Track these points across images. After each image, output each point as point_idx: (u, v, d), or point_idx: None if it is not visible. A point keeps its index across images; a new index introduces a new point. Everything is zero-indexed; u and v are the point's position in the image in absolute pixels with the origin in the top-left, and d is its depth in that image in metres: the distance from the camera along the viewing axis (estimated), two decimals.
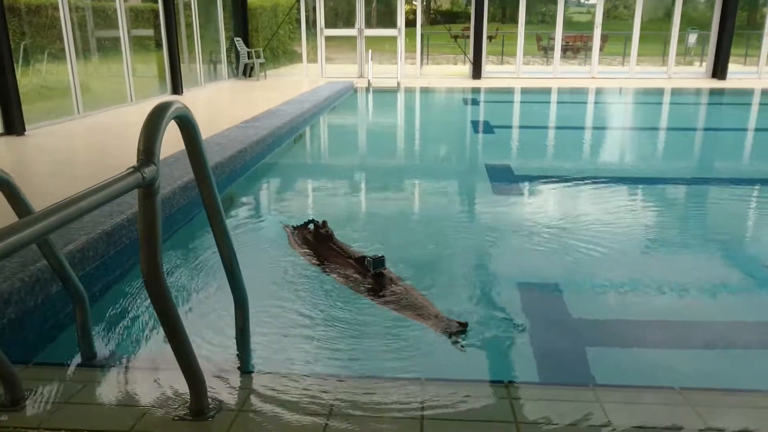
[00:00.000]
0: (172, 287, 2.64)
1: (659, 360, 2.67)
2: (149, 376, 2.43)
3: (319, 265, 3.62)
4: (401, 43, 16.46)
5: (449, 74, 18.32)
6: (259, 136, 7.13)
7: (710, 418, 2.12)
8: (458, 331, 2.72)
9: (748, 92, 14.29)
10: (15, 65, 7.34)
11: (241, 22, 16.50)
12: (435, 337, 2.72)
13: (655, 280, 3.43)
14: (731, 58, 16.29)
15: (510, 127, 10.26)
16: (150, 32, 11.91)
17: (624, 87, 15.20)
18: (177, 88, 11.99)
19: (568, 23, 18.03)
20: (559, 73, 16.97)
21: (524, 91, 14.66)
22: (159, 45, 11.86)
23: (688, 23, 17.83)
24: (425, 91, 14.85)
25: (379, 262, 3.29)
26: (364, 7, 16.74)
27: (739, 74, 16.74)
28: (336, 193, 5.89)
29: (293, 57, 19.13)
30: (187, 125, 2.11)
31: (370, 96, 14.06)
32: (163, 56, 11.87)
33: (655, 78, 16.72)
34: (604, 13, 16.42)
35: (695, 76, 17.27)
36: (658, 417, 2.15)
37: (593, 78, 16.60)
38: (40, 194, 4.22)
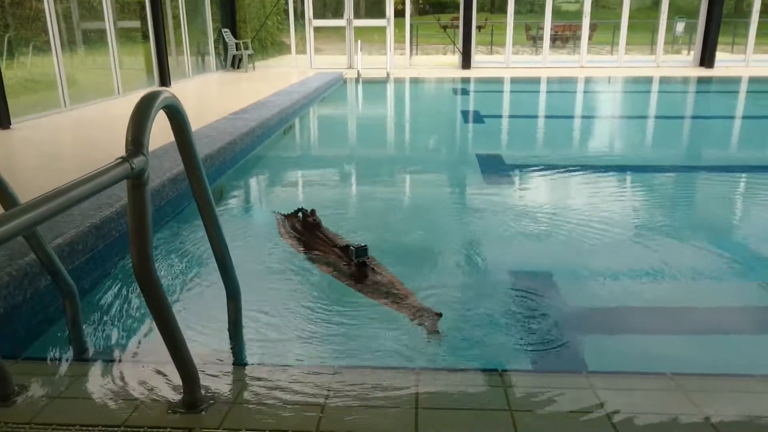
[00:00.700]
0: (163, 279, 2.62)
1: (651, 346, 2.68)
2: (141, 370, 2.40)
3: (305, 253, 3.65)
4: (390, 33, 16.39)
5: (439, 64, 18.27)
6: (249, 127, 7.08)
7: (704, 404, 2.13)
8: (432, 321, 2.75)
9: (736, 80, 14.36)
10: None
11: (229, 13, 16.36)
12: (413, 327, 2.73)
13: (650, 267, 3.45)
14: (718, 47, 16.35)
15: (500, 116, 10.25)
16: (137, 24, 11.78)
17: (613, 76, 15.22)
18: (165, 81, 11.88)
19: (557, 12, 18.01)
20: (548, 63, 16.96)
21: (514, 80, 14.65)
22: (146, 37, 11.73)
23: (675, 12, 17.87)
24: (415, 81, 14.80)
25: (362, 251, 3.34)
26: None
27: (727, 62, 16.80)
28: (327, 184, 5.87)
29: (282, 48, 19.01)
30: (177, 115, 2.08)
31: (360, 87, 14.00)
32: (151, 48, 11.74)
33: (643, 67, 16.75)
34: (592, 2, 16.41)
35: (683, 64, 17.33)
36: (652, 403, 2.16)
37: (582, 67, 16.60)
38: (28, 189, 4.15)
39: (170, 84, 11.89)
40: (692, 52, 17.27)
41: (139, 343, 2.73)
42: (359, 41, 15.72)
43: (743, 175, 5.99)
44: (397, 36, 16.87)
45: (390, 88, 13.84)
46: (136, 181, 1.81)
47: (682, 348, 2.70)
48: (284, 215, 4.28)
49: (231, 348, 2.66)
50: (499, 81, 14.64)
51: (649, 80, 14.64)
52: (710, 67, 16.06)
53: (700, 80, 14.47)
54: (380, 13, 16.73)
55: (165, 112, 2.02)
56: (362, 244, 3.37)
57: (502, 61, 17.16)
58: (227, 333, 2.71)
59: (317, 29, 17.01)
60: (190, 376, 2.11)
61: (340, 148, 7.81)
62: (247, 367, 2.48)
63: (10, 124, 7.31)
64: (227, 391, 2.25)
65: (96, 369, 2.47)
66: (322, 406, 2.12)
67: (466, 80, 14.51)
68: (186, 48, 13.70)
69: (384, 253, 3.57)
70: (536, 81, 14.59)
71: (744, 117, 10.12)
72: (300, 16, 17.04)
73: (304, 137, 9.11)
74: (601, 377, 2.35)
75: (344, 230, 4.01)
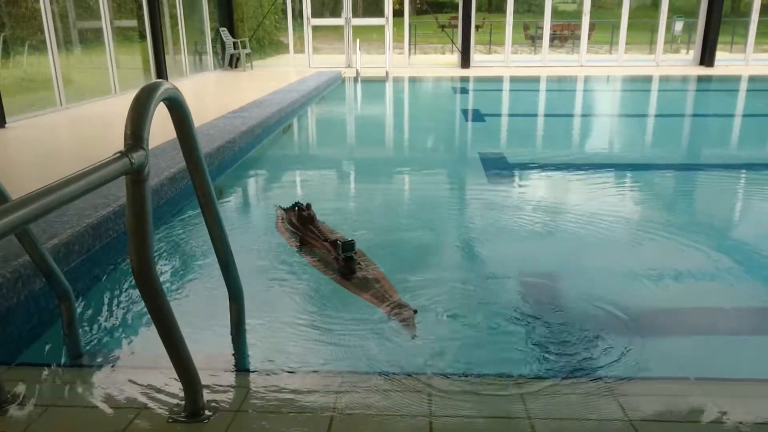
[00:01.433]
0: (163, 279, 2.51)
1: (687, 349, 2.58)
2: (140, 376, 2.29)
3: (297, 246, 3.66)
4: (389, 32, 16.29)
5: (437, 63, 18.18)
6: (248, 126, 6.98)
7: (727, 409, 2.04)
8: (408, 315, 2.71)
9: (736, 79, 14.30)
10: None
11: (227, 12, 16.26)
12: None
13: (665, 267, 3.36)
14: (717, 46, 16.30)
15: (500, 115, 10.16)
16: (133, 23, 11.66)
17: (612, 75, 15.15)
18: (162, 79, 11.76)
19: (555, 12, 17.93)
20: (547, 62, 16.89)
21: (513, 79, 14.56)
22: (143, 36, 11.62)
23: (674, 11, 17.81)
24: (414, 80, 14.70)
25: (349, 245, 3.28)
26: None
27: (726, 61, 16.75)
28: (326, 183, 5.77)
29: (280, 47, 18.90)
30: (178, 107, 1.97)
31: (359, 86, 13.89)
32: (148, 47, 11.63)
33: (643, 66, 16.69)
34: (591, 2, 16.34)
35: (683, 63, 17.27)
36: (676, 409, 2.06)
37: (581, 66, 16.54)
38: (23, 189, 4.05)
39: None
40: (692, 51, 17.22)
41: (138, 348, 2.60)
42: (358, 40, 15.62)
43: (743, 172, 5.95)
44: (395, 35, 16.78)
45: (389, 87, 13.73)
46: (136, 176, 1.71)
47: (708, 350, 2.61)
48: (284, 209, 4.33)
49: (234, 352, 2.56)
50: (498, 80, 14.54)
51: (648, 79, 14.56)
52: (710, 66, 16.01)
53: (701, 79, 14.40)
54: (379, 12, 16.64)
55: (166, 104, 1.91)
56: (349, 240, 3.33)
57: (502, 61, 17.08)
58: (230, 337, 2.61)
59: (315, 28, 16.90)
60: (191, 382, 2.01)
61: (341, 147, 7.70)
62: (251, 373, 2.37)
63: (5, 123, 7.20)
64: (231, 398, 2.15)
65: (93, 375, 2.35)
66: (330, 414, 2.02)
67: (465, 79, 14.42)
68: (183, 47, 13.58)
69: (384, 253, 3.49)
70: (536, 80, 14.50)
71: (744, 115, 10.06)
72: (298, 14, 16.93)
73: (304, 136, 9.00)
74: (623, 384, 2.24)
75: (344, 230, 3.91)
